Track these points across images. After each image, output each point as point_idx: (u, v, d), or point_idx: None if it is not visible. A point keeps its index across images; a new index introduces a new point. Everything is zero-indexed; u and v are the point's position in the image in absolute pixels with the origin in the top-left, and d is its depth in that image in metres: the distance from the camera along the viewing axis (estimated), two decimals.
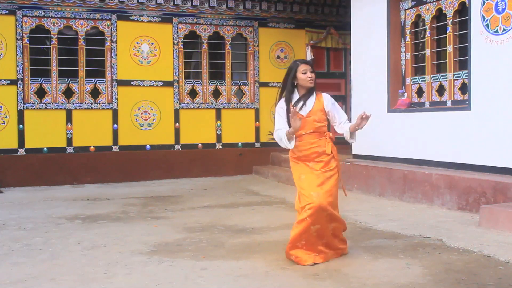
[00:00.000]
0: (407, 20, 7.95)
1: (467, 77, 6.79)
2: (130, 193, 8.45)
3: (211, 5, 10.41)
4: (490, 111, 6.31)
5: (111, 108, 9.91)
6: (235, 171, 10.57)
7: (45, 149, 9.53)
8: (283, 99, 4.33)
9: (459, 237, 4.79)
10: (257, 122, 10.84)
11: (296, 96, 4.29)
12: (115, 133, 9.93)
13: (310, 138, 4.22)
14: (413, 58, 7.95)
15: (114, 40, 9.88)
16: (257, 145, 10.85)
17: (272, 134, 4.35)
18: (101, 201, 7.69)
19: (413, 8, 7.82)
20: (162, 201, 7.55)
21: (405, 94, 7.85)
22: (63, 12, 9.59)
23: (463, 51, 6.98)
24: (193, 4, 10.30)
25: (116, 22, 9.90)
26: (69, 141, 9.67)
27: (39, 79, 9.55)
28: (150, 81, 10.14)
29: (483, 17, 6.38)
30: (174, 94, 10.28)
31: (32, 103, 9.47)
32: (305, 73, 4.22)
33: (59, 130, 9.63)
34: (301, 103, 4.24)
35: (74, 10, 9.64)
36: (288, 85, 4.30)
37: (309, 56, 10.95)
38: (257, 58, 10.83)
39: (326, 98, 4.31)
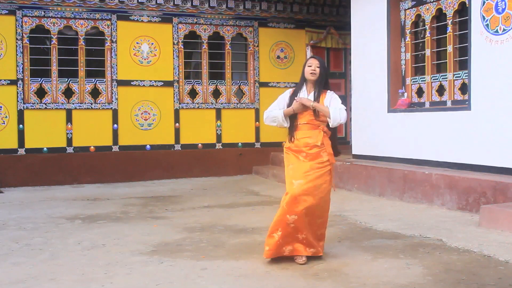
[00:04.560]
0: (407, 20, 7.95)
1: (467, 77, 6.79)
2: (130, 193, 8.45)
3: (211, 5, 10.41)
4: (490, 111, 6.31)
5: (111, 108, 9.91)
6: (235, 171, 10.57)
7: (45, 149, 9.53)
8: (289, 90, 4.50)
9: (459, 237, 4.79)
10: (257, 122, 10.83)
11: (303, 89, 4.39)
12: (115, 133, 9.93)
13: (305, 128, 4.30)
14: (413, 58, 7.95)
15: (114, 40, 9.88)
16: (257, 145, 10.85)
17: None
18: (101, 201, 7.69)
19: (413, 8, 7.82)
20: (162, 201, 7.55)
21: (405, 94, 7.85)
22: (63, 12, 9.59)
23: (463, 51, 6.98)
24: (193, 4, 10.30)
25: (116, 22, 9.90)
26: (69, 141, 9.67)
27: (39, 79, 9.55)
28: (150, 81, 10.14)
29: (483, 17, 6.38)
30: (174, 94, 10.28)
31: (32, 103, 9.47)
32: (310, 66, 4.34)
33: (59, 130, 9.63)
34: (301, 94, 4.36)
35: (74, 10, 9.64)
36: (301, 79, 4.44)
37: (309, 56, 10.96)
38: (257, 58, 10.83)
39: (328, 95, 4.34)
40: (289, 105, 4.35)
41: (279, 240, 4.11)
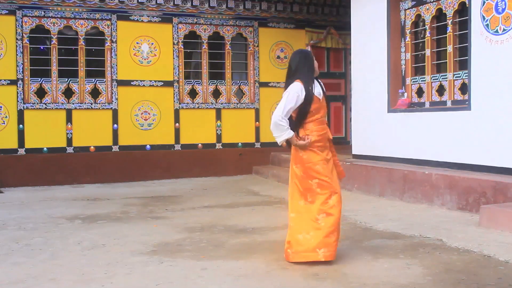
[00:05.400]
0: (407, 20, 7.95)
1: (467, 77, 6.79)
2: (130, 193, 8.45)
3: (211, 5, 10.41)
4: (490, 111, 6.31)
5: (111, 108, 9.91)
6: (235, 171, 10.57)
7: (45, 149, 9.53)
8: (298, 86, 4.15)
9: (459, 237, 4.79)
10: (257, 122, 10.84)
11: (316, 83, 4.30)
12: (115, 133, 9.93)
13: (323, 123, 4.32)
14: (413, 58, 7.95)
15: (114, 40, 9.88)
16: (257, 145, 10.85)
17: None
18: (101, 201, 7.69)
19: (413, 8, 7.82)
20: (162, 201, 7.55)
21: (405, 94, 7.85)
22: (63, 12, 9.59)
23: (463, 51, 6.98)
24: (193, 4, 10.30)
25: (116, 22, 9.89)
26: (69, 141, 9.67)
27: (39, 79, 9.54)
28: (150, 81, 10.14)
29: (483, 17, 6.38)
30: (174, 94, 10.28)
31: (32, 103, 9.47)
32: (315, 61, 4.39)
33: (59, 130, 9.63)
34: (315, 88, 4.24)
35: (74, 10, 9.64)
36: (309, 73, 4.24)
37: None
38: (257, 58, 10.83)
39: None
40: (308, 100, 4.11)
41: (334, 242, 4.12)
